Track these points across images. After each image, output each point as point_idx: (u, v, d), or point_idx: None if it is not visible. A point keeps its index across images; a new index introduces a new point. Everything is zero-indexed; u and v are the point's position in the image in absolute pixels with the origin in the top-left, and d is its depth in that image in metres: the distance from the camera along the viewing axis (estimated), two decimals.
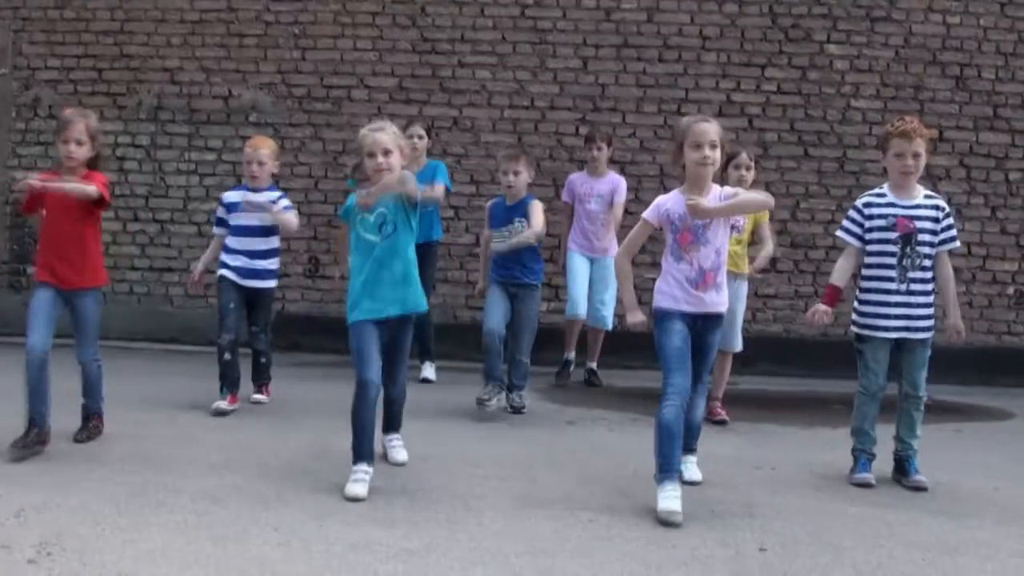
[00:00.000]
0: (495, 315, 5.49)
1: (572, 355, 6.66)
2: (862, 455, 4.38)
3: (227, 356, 5.22)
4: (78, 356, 4.50)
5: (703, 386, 4.15)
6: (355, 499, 3.80)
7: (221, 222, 5.50)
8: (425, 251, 5.95)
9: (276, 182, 5.75)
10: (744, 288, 5.54)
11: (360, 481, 3.88)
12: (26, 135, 7.93)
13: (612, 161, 6.67)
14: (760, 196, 4.10)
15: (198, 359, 5.35)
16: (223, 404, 5.16)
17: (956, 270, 7.19)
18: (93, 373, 4.54)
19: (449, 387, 6.29)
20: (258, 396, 5.51)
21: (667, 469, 3.77)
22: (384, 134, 4.06)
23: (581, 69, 7.46)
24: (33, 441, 4.19)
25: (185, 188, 7.68)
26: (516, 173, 5.55)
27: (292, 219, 5.36)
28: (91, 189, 4.28)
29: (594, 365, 6.68)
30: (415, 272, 4.14)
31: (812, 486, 4.31)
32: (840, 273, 4.41)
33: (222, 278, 5.34)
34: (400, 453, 4.37)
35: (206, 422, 5.05)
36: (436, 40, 7.52)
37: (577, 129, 7.41)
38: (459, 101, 7.53)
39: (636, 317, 4.00)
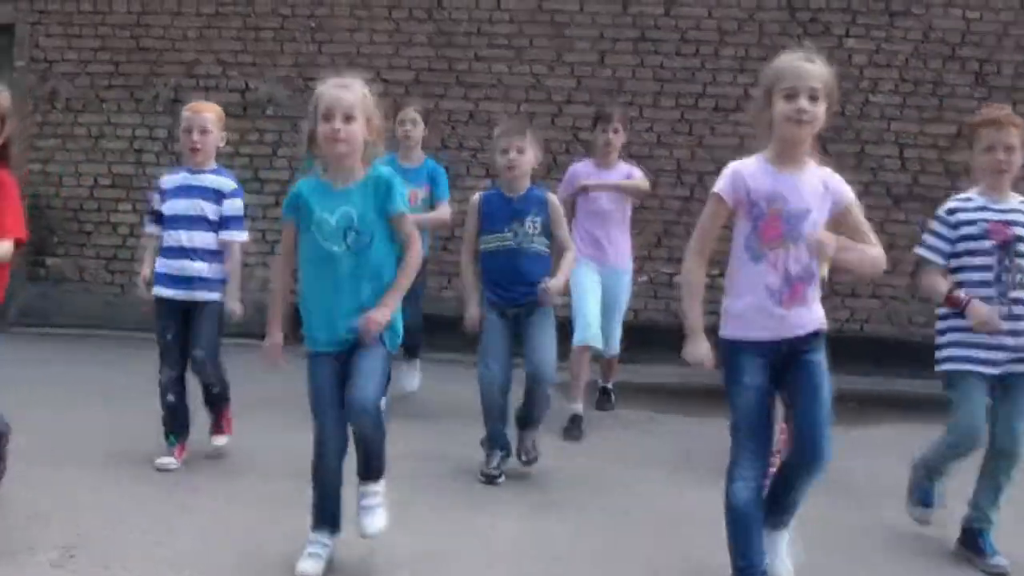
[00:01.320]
0: (496, 358, 4.14)
1: (580, 406, 5.17)
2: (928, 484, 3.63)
3: (171, 397, 4.21)
4: None
5: (825, 453, 2.83)
6: None
7: (158, 217, 4.29)
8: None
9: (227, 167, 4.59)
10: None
11: (313, 556, 3.09)
12: (43, 128, 7.95)
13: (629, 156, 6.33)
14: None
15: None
16: (168, 460, 4.15)
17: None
18: None
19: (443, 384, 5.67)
20: (216, 439, 4.35)
21: (741, 570, 2.84)
22: (348, 92, 3.10)
23: (598, 63, 7.43)
24: None
25: None
26: (520, 151, 4.18)
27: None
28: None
29: (609, 384, 5.71)
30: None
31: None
32: (942, 283, 3.56)
33: (157, 298, 4.25)
34: (373, 518, 3.15)
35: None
36: (452, 33, 7.50)
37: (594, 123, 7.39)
38: (476, 95, 7.50)
39: (698, 351, 2.89)
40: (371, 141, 3.11)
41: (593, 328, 5.05)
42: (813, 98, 2.78)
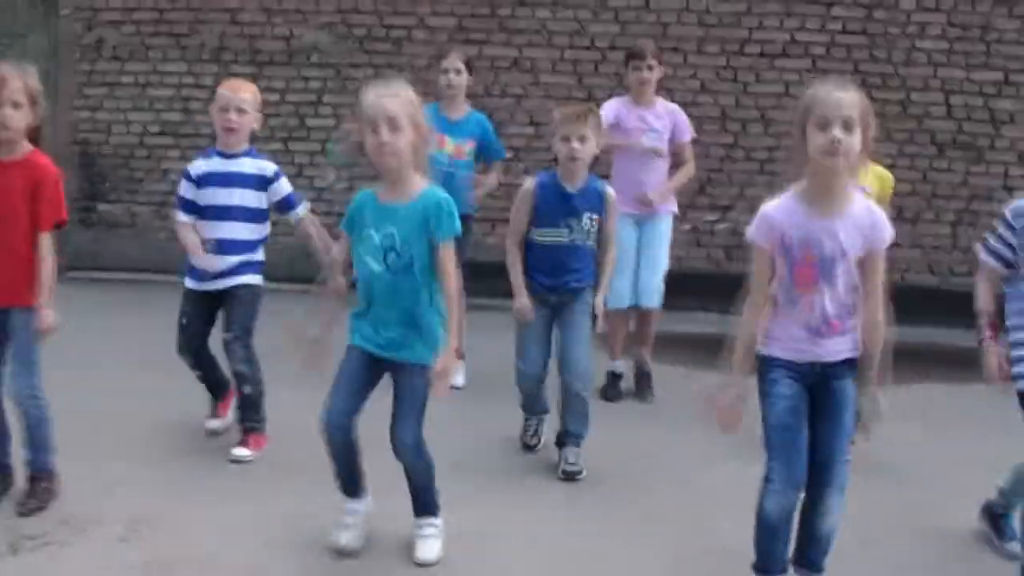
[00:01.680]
0: (535, 354, 4.08)
1: (620, 363, 5.21)
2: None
3: (197, 373, 4.20)
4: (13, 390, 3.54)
5: (841, 476, 2.89)
6: (341, 551, 3.24)
7: (189, 205, 4.09)
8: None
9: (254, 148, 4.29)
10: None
11: (345, 527, 3.24)
12: (91, 76, 8.03)
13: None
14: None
15: (280, 297, 5.28)
16: (214, 423, 4.24)
17: None
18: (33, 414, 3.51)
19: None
20: (240, 451, 3.99)
21: (765, 570, 2.96)
22: (395, 100, 3.00)
23: (643, 8, 7.38)
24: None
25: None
26: (582, 139, 3.93)
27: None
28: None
29: (647, 360, 5.29)
30: (432, 318, 3.14)
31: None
32: (986, 299, 3.34)
33: (185, 290, 4.15)
34: (426, 546, 3.23)
35: (288, 380, 4.02)
36: None
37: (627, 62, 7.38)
38: (519, 41, 7.49)
39: (735, 399, 2.86)
40: (420, 148, 3.08)
41: (627, 294, 5.04)
42: (847, 127, 2.66)
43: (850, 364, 2.88)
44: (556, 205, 4.00)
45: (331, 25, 7.66)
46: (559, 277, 4.04)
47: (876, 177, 4.31)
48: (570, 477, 3.98)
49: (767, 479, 2.86)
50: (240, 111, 4.03)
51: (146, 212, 8.07)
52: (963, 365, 6.06)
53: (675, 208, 5.34)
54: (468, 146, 5.11)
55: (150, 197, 8.06)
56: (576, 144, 3.90)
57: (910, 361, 6.24)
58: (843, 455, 2.87)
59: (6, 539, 3.25)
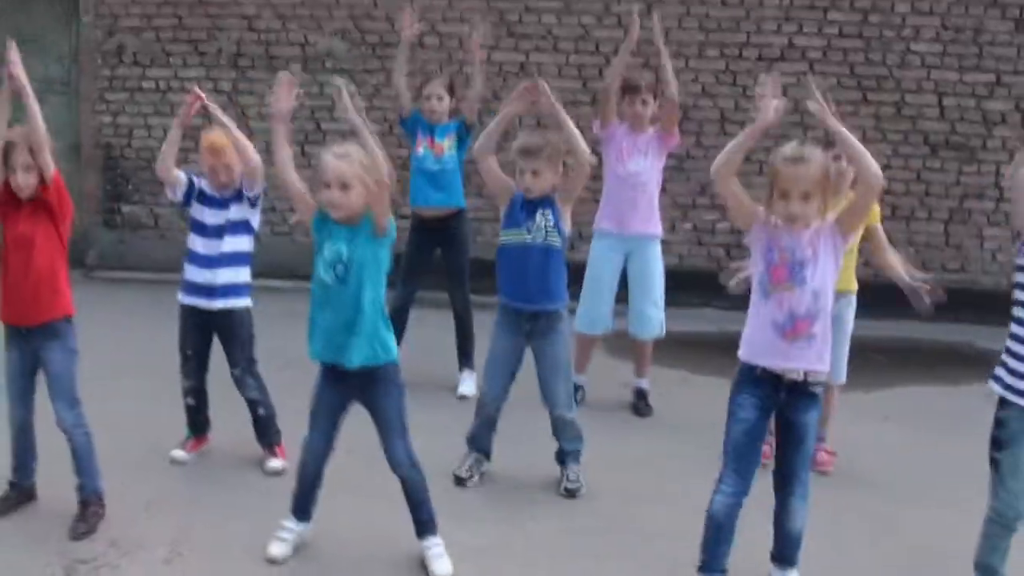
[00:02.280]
0: (497, 374, 4.22)
1: (583, 378, 5.23)
2: None
3: (190, 400, 4.43)
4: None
5: (802, 487, 3.30)
6: (272, 561, 3.54)
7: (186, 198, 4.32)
8: (449, 224, 5.33)
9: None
10: (851, 310, 4.53)
11: (281, 540, 3.57)
12: (112, 81, 8.31)
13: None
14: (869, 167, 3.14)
15: (291, 296, 5.39)
16: (179, 453, 4.41)
17: (1008, 215, 7.41)
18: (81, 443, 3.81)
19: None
20: (273, 463, 4.33)
21: (709, 569, 3.29)
22: (345, 163, 3.27)
23: (645, 14, 7.61)
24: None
25: (266, 132, 7.97)
26: (535, 173, 4.03)
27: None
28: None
29: (644, 384, 5.33)
30: (379, 321, 3.41)
31: None
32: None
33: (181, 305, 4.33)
34: (439, 562, 3.51)
35: (288, 390, 4.42)
36: None
37: (641, 74, 7.60)
38: (526, 46, 7.74)
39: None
40: (377, 199, 3.32)
41: (598, 322, 5.15)
42: (805, 198, 3.08)
43: (813, 400, 3.24)
44: (516, 207, 4.13)
45: (345, 32, 7.93)
46: (531, 290, 4.12)
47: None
48: (571, 494, 4.20)
49: (720, 483, 3.25)
50: (228, 168, 4.26)
51: (168, 213, 8.34)
52: (956, 363, 6.33)
53: (660, 232, 5.28)
54: (449, 141, 5.36)
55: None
56: (529, 178, 4.04)
57: (903, 358, 6.50)
58: (805, 471, 3.32)
59: (61, 563, 3.54)
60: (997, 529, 3.23)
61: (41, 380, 3.85)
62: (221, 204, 4.28)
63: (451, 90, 5.49)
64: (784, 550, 3.42)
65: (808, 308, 3.15)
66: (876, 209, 4.46)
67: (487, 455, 4.36)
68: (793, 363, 3.18)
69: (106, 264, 8.21)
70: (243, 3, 8.02)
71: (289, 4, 7.95)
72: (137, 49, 8.23)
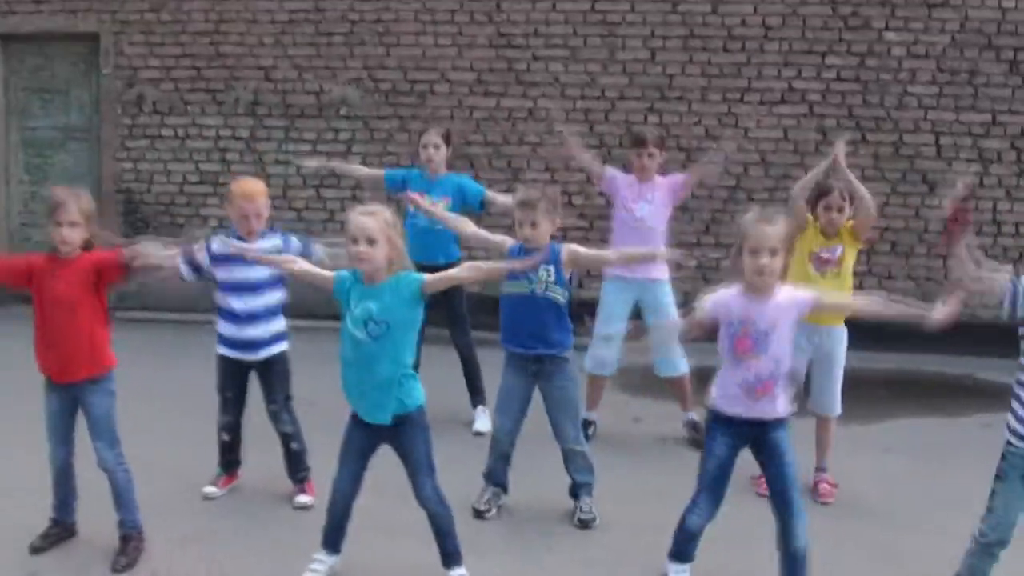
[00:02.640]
0: (509, 412, 4.42)
1: (595, 415, 5.56)
2: None
3: (225, 436, 4.62)
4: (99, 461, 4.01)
5: (798, 510, 3.55)
6: None
7: (198, 268, 4.35)
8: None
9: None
10: (842, 345, 4.72)
11: (315, 572, 3.76)
12: (133, 129, 8.60)
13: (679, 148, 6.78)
14: (858, 302, 3.70)
15: (313, 334, 5.56)
16: (211, 489, 4.61)
17: (1005, 249, 7.62)
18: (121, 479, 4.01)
19: None
20: (302, 498, 4.51)
21: (679, 557, 3.79)
22: (372, 219, 3.49)
23: (649, 60, 7.88)
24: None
25: (283, 177, 8.28)
26: (534, 224, 4.22)
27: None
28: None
29: (693, 416, 5.45)
30: (409, 372, 3.62)
31: None
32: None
33: (218, 357, 4.52)
34: None
35: (318, 425, 4.61)
36: (511, 35, 7.98)
37: (646, 118, 7.86)
38: (534, 93, 8.00)
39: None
40: (395, 259, 3.55)
41: (608, 364, 5.37)
42: (773, 253, 3.44)
43: (781, 422, 3.61)
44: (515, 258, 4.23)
45: (358, 80, 8.20)
46: (532, 338, 4.28)
47: (847, 233, 4.71)
48: (585, 525, 4.37)
49: (695, 503, 3.70)
50: (259, 216, 4.38)
51: None
52: (956, 395, 6.46)
53: (666, 275, 5.36)
54: (443, 202, 5.38)
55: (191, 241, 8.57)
56: (528, 230, 4.22)
57: (902, 390, 6.63)
58: (794, 485, 3.60)
59: None
60: (979, 551, 3.44)
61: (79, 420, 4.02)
62: (251, 261, 4.24)
63: (447, 139, 5.66)
64: (794, 572, 3.56)
65: (771, 372, 3.52)
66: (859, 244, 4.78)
67: (504, 489, 4.54)
68: (760, 415, 3.57)
69: (125, 304, 8.40)
70: (260, 55, 8.31)
71: (305, 55, 8.24)
72: (156, 99, 8.53)
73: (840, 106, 7.71)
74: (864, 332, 4.70)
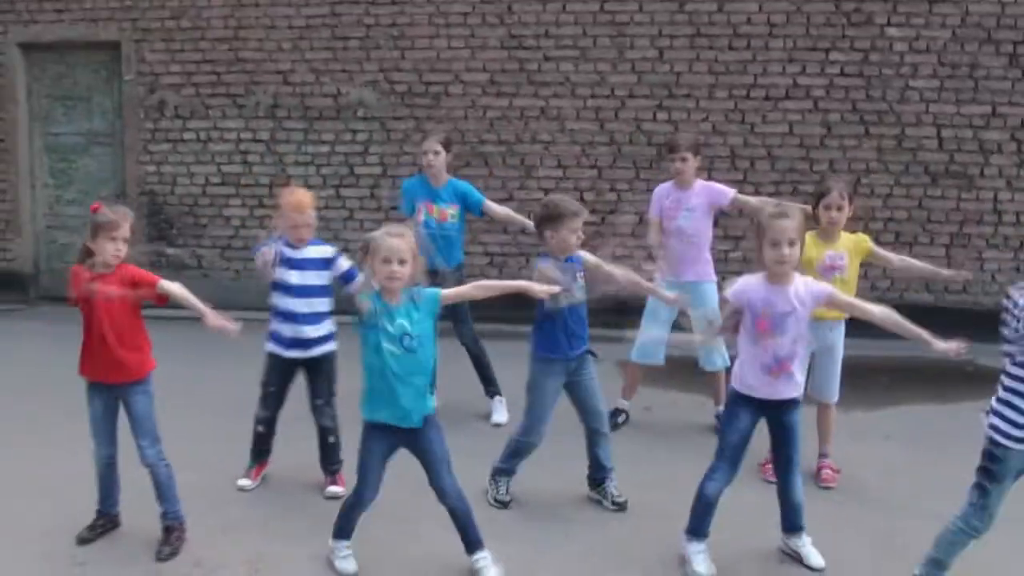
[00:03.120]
0: (548, 416, 4.59)
1: (627, 403, 5.84)
2: None
3: (260, 428, 4.88)
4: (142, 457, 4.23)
5: (796, 466, 4.06)
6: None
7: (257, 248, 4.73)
8: (446, 276, 5.42)
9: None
10: (841, 336, 4.96)
11: (347, 558, 4.03)
12: (155, 134, 8.86)
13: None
14: (869, 307, 3.82)
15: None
16: (245, 482, 4.86)
17: (1006, 238, 7.80)
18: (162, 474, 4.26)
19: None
20: (334, 488, 4.79)
21: (696, 532, 4.04)
22: (403, 241, 3.75)
23: (657, 59, 8.08)
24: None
25: (304, 177, 8.54)
26: (578, 236, 4.40)
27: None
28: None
29: (721, 408, 5.51)
30: (433, 379, 4.04)
31: None
32: None
33: (268, 354, 4.77)
34: (489, 572, 3.95)
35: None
36: (523, 36, 8.20)
37: (655, 115, 8.08)
38: (545, 92, 8.22)
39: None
40: (416, 276, 3.84)
41: (652, 353, 5.62)
42: (791, 244, 3.80)
43: (795, 403, 4.00)
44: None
45: (375, 83, 8.44)
46: (579, 342, 4.50)
47: (852, 242, 4.94)
48: (622, 507, 4.61)
49: (713, 471, 4.02)
50: (308, 225, 4.67)
51: (210, 254, 8.87)
52: (957, 382, 6.62)
53: (713, 277, 5.64)
54: (452, 209, 5.77)
55: (214, 241, 8.87)
56: (575, 240, 4.39)
57: (904, 377, 6.79)
58: (797, 453, 4.05)
59: None
60: (964, 538, 3.67)
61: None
62: (302, 266, 4.64)
63: (446, 146, 5.85)
64: (793, 519, 4.10)
65: (788, 351, 3.89)
66: (865, 244, 4.97)
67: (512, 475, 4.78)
68: (778, 395, 3.94)
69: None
70: (278, 59, 8.54)
71: (322, 59, 8.47)
72: (178, 103, 8.78)
73: (844, 101, 7.90)
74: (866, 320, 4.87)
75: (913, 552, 3.90)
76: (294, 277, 4.66)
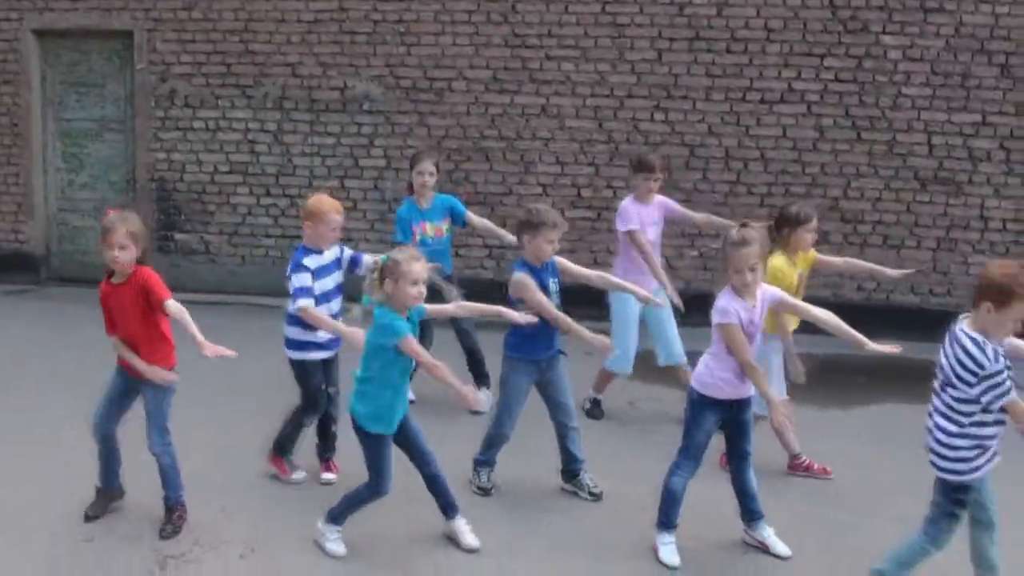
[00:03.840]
0: (518, 410, 4.86)
1: (600, 396, 6.15)
2: None
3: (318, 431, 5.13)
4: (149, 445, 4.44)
5: (750, 456, 4.37)
6: (338, 556, 4.26)
7: (307, 291, 4.71)
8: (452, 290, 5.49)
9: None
10: (779, 355, 5.15)
11: (338, 541, 4.30)
12: (165, 122, 9.07)
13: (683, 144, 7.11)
14: (814, 310, 4.19)
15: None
16: (330, 476, 5.05)
17: (992, 244, 7.97)
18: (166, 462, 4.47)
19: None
20: (328, 475, 5.03)
21: (665, 524, 4.35)
22: (422, 265, 4.07)
23: (656, 60, 8.27)
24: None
25: (309, 168, 8.78)
26: (553, 246, 4.70)
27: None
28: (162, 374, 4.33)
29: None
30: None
31: None
32: None
33: (310, 363, 4.90)
34: (472, 538, 4.34)
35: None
36: (526, 35, 8.38)
37: (652, 115, 8.27)
38: (546, 91, 8.42)
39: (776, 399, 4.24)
40: None
41: (630, 364, 5.86)
42: (752, 270, 4.10)
43: (750, 401, 4.36)
44: (537, 281, 4.66)
45: (380, 77, 8.64)
46: (553, 342, 4.77)
47: (804, 260, 5.27)
48: (598, 497, 4.84)
49: (679, 467, 4.34)
50: (334, 230, 4.85)
51: (218, 240, 9.10)
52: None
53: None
54: (445, 224, 6.07)
55: (221, 227, 9.10)
56: (551, 250, 4.67)
57: (880, 377, 6.89)
58: (749, 444, 4.37)
59: (155, 559, 4.23)
60: (928, 553, 3.82)
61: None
62: (327, 271, 4.84)
63: (437, 167, 6.09)
64: (752, 507, 4.39)
65: (754, 354, 4.28)
66: (812, 254, 5.29)
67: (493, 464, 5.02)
68: (742, 395, 4.29)
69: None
70: (287, 52, 8.74)
71: (330, 53, 8.67)
72: (188, 93, 8.98)
73: (837, 106, 8.08)
74: (845, 319, 4.91)
75: (871, 548, 4.09)
76: (330, 282, 4.84)
